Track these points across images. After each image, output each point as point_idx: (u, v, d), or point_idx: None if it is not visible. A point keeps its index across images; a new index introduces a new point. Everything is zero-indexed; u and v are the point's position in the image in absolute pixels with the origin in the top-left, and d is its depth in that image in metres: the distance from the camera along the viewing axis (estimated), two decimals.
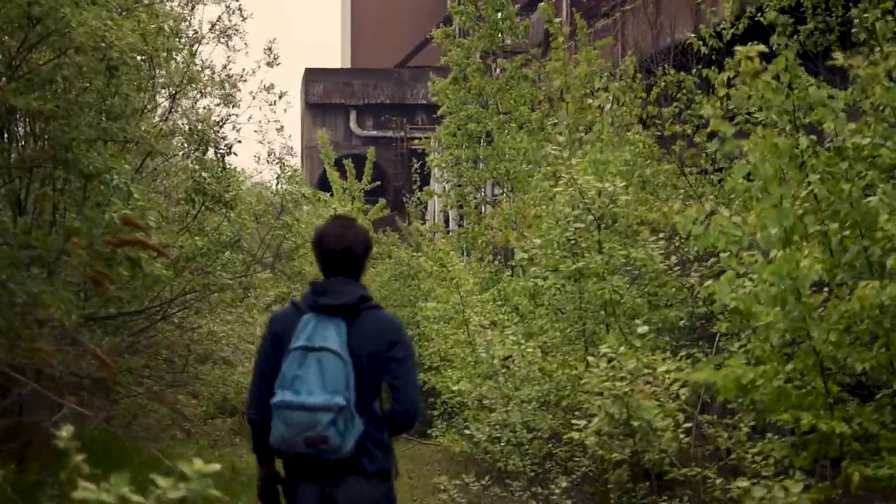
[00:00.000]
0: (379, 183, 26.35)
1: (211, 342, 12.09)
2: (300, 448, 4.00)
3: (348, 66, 41.97)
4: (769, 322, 4.30)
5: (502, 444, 7.21)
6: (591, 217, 7.14)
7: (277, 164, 11.48)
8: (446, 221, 22.91)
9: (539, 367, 6.97)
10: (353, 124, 36.21)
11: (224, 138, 10.25)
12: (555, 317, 7.78)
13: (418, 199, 20.52)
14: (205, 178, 9.46)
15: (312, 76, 36.05)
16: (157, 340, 11.60)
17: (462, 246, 15.91)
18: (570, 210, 7.19)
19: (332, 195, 20.93)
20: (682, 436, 5.67)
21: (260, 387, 4.22)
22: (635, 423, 5.35)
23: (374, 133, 35.70)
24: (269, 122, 11.42)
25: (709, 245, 4.30)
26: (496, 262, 13.96)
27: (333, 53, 46.60)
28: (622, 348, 5.59)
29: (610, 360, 5.50)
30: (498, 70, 15.79)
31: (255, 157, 13.77)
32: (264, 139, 14.42)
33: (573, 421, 5.98)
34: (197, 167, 9.72)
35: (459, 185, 15.49)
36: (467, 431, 7.23)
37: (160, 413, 11.11)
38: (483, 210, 16.21)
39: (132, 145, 9.08)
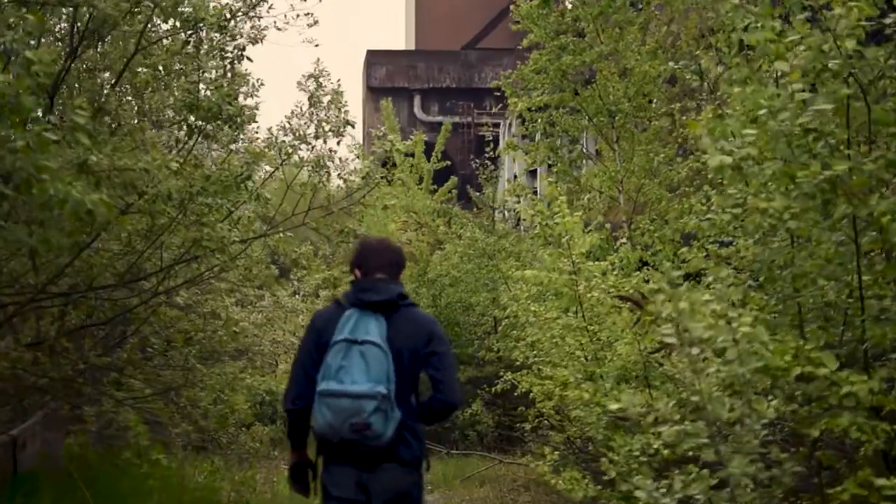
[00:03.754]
0: (449, 163, 23.93)
1: (229, 330, 9.02)
2: (346, 434, 4.32)
3: (412, 47, 39.40)
4: None
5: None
6: (845, 89, 3.87)
7: (312, 82, 8.23)
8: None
9: (764, 362, 3.68)
10: (417, 109, 34.03)
11: (235, 38, 7.16)
12: (763, 280, 4.51)
13: (489, 159, 17.46)
14: (196, 86, 6.39)
15: (374, 58, 33.79)
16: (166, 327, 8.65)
17: None
18: (802, 79, 3.92)
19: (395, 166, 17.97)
20: None
21: (299, 379, 4.54)
22: None
23: (440, 118, 33.24)
24: (297, 15, 8.11)
25: None
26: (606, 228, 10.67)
27: (397, 35, 44.07)
28: None
29: None
30: None
31: (296, 105, 10.27)
32: (306, 86, 10.50)
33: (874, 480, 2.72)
34: (192, 71, 6.65)
35: (550, 136, 12.18)
36: (638, 495, 3.77)
37: (138, 431, 8.05)
38: (581, 167, 12.84)
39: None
